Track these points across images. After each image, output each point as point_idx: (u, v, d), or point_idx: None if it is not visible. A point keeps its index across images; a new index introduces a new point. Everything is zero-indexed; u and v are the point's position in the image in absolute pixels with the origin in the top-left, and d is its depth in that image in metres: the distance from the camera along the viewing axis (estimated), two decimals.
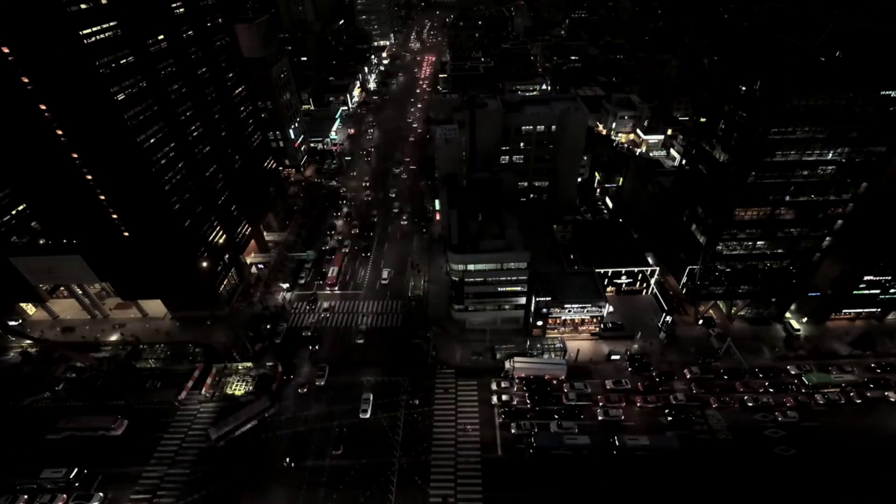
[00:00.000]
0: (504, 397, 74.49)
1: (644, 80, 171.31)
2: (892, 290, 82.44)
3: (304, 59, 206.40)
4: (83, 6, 60.25)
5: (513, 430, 69.62)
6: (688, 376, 76.94)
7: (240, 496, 62.39)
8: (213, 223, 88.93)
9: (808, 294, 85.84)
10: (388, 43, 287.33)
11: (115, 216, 75.01)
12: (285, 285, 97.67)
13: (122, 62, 65.83)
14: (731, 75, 74.76)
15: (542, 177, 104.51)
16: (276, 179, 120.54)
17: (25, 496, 62.80)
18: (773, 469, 64.49)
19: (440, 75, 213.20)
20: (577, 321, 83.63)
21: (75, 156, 68.38)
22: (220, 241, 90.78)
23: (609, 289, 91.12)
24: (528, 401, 73.71)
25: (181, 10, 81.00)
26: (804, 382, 75.61)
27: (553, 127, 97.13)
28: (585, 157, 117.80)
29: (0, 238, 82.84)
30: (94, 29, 61.28)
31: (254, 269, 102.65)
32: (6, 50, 58.85)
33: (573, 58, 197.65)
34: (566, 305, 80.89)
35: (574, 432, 68.33)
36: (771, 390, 74.70)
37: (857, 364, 78.81)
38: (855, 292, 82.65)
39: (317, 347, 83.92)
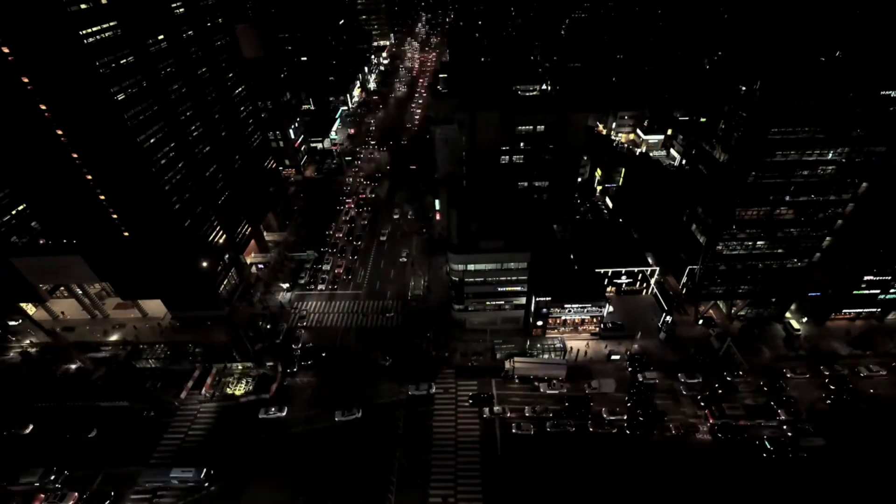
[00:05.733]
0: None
1: (644, 80, 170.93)
2: (892, 290, 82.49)
3: (304, 58, 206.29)
4: (83, 6, 60.25)
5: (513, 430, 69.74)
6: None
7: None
8: (213, 223, 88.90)
9: (808, 294, 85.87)
10: (388, 43, 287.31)
11: (115, 216, 74.99)
12: (285, 285, 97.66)
13: (122, 62, 65.84)
14: (731, 75, 74.71)
15: (542, 177, 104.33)
16: (276, 179, 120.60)
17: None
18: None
19: (440, 75, 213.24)
20: (577, 321, 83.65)
21: (75, 156, 68.36)
22: (220, 241, 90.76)
23: (609, 289, 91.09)
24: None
25: (181, 10, 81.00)
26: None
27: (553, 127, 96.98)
28: (585, 157, 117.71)
29: (0, 238, 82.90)
30: (94, 29, 61.29)
31: (254, 269, 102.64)
32: (6, 50, 58.85)
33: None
34: (566, 305, 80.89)
35: None
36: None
37: None
38: (855, 292, 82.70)
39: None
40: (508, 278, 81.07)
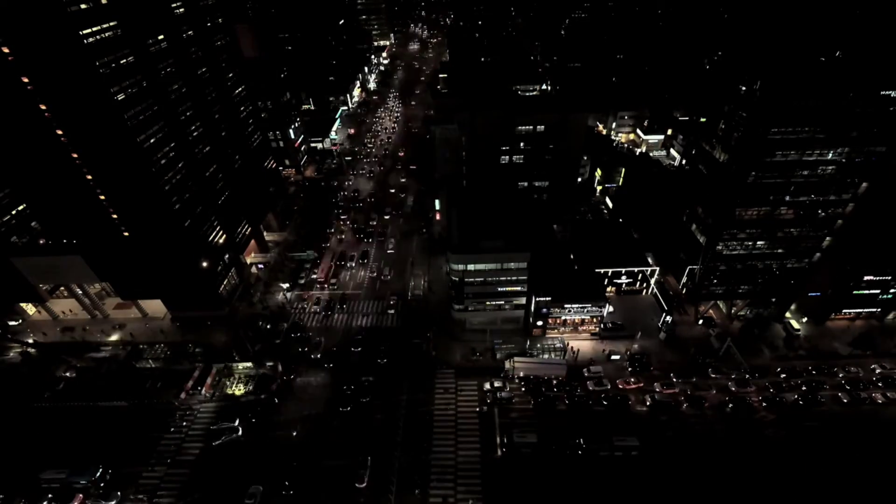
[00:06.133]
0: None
1: (644, 80, 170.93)
2: (892, 290, 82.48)
3: (304, 59, 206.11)
4: (83, 6, 60.28)
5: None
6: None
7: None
8: (213, 223, 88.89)
9: (808, 294, 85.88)
10: (388, 43, 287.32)
11: (115, 216, 75.04)
12: (285, 285, 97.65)
13: (122, 62, 65.84)
14: (731, 75, 74.71)
15: (542, 177, 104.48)
16: (276, 179, 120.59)
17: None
18: None
19: (440, 75, 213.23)
20: (577, 321, 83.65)
21: (75, 156, 68.40)
22: (220, 241, 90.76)
23: (609, 289, 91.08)
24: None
25: (181, 10, 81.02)
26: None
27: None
28: (585, 157, 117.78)
29: (0, 238, 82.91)
30: (94, 29, 61.30)
31: (254, 269, 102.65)
32: (6, 50, 58.90)
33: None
34: (566, 305, 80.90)
35: None
36: None
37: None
38: (855, 292, 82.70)
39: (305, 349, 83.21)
40: (508, 278, 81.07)
